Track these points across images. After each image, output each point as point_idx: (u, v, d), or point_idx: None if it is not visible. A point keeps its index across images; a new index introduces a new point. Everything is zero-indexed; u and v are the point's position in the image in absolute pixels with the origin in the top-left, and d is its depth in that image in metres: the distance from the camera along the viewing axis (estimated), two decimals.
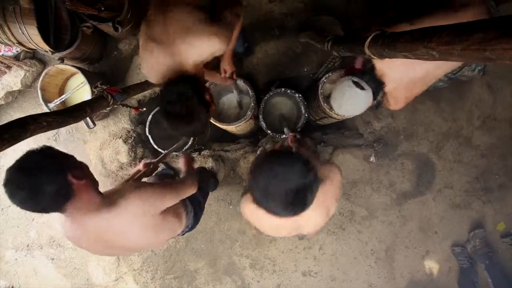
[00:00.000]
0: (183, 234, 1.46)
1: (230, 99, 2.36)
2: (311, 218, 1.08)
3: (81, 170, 1.00)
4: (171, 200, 1.16)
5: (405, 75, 1.22)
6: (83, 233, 1.03)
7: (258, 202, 0.85)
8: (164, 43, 1.11)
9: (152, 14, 1.17)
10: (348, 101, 1.39)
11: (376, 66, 1.28)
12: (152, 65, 1.17)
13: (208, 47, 1.11)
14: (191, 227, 1.49)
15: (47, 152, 0.91)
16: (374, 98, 1.34)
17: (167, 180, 1.76)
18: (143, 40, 1.17)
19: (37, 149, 0.90)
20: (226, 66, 1.61)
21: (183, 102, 1.06)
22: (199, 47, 1.11)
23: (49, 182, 0.86)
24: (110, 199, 1.03)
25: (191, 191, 1.31)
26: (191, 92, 1.07)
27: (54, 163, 0.89)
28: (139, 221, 1.05)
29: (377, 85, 1.31)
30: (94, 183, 1.04)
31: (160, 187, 1.14)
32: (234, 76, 1.62)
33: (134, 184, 1.28)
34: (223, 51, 1.18)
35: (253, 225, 1.21)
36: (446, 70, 1.31)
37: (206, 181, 1.98)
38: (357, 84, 1.32)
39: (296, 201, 0.82)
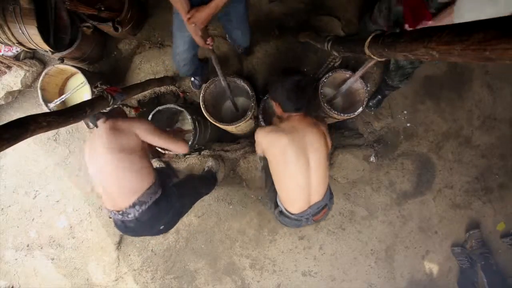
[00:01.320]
0: (131, 217, 1.38)
1: (229, 103, 2.36)
2: (314, 137, 1.30)
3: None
4: (154, 134, 1.41)
5: None
6: (93, 142, 1.37)
7: (277, 99, 1.33)
8: None
9: None
10: None
11: None
12: None
13: None
14: (145, 214, 1.40)
15: None
16: None
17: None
18: None
19: None
20: (197, 15, 1.29)
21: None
22: None
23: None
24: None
25: (179, 145, 1.52)
26: None
27: None
28: (122, 137, 1.34)
29: None
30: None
31: (153, 125, 1.44)
32: (210, 41, 1.45)
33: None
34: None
35: (262, 156, 1.44)
36: None
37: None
38: None
39: (301, 94, 1.27)
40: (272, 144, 1.30)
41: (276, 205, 1.51)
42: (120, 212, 1.36)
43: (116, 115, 1.46)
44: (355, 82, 1.79)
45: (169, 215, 1.49)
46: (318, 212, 1.41)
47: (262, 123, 2.08)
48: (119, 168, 1.32)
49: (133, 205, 1.34)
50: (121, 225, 1.42)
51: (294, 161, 1.27)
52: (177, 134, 1.72)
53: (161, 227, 1.49)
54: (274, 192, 1.49)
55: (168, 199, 1.47)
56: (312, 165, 1.30)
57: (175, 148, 1.51)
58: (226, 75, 1.70)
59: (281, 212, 1.47)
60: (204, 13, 1.25)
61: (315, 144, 1.30)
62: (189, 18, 1.27)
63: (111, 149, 1.31)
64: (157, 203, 1.41)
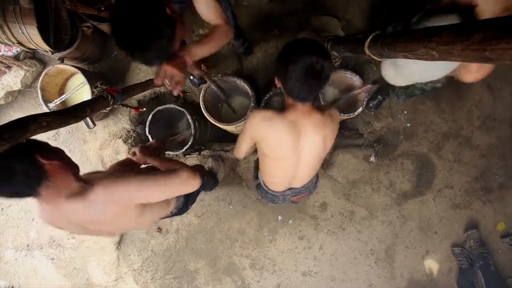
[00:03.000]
0: (172, 215, 1.40)
1: (232, 100, 2.36)
2: (316, 139, 1.16)
3: (54, 152, 0.95)
4: (153, 194, 1.04)
5: None
6: (59, 216, 1.00)
7: (283, 80, 1.04)
8: None
9: None
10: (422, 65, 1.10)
11: None
12: None
13: None
14: (176, 212, 1.40)
15: None
16: None
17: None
18: None
19: None
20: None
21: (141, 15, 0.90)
22: None
23: (17, 164, 0.83)
24: (87, 185, 0.97)
25: (188, 186, 1.10)
26: (147, 6, 0.91)
27: (21, 147, 0.86)
28: (113, 210, 1.00)
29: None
30: (71, 166, 0.99)
31: (145, 179, 1.02)
32: (204, 69, 1.39)
33: (118, 172, 1.23)
34: None
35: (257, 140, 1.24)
36: None
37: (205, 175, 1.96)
38: None
39: (313, 81, 0.99)
40: (267, 134, 1.16)
41: (256, 177, 1.51)
42: None
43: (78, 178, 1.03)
44: (358, 83, 1.79)
45: (184, 203, 1.49)
46: (297, 195, 1.42)
47: None
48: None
49: None
50: None
51: (286, 158, 1.19)
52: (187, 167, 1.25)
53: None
54: (257, 161, 1.48)
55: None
56: (303, 160, 1.23)
57: (183, 192, 1.13)
58: (226, 75, 1.71)
59: (259, 184, 1.49)
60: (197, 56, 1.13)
61: (315, 146, 1.19)
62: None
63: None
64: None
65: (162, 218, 1.33)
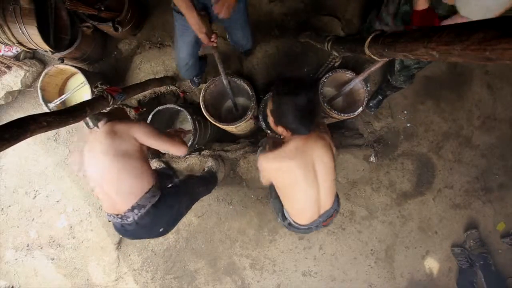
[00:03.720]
0: (131, 222, 1.38)
1: (230, 103, 2.36)
2: (321, 152, 1.22)
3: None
4: (152, 137, 1.37)
5: None
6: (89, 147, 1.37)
7: (286, 124, 1.11)
8: None
9: None
10: None
11: None
12: None
13: None
14: (144, 219, 1.40)
15: None
16: None
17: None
18: None
19: None
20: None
21: None
22: None
23: None
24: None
25: (178, 147, 1.46)
26: None
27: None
28: (122, 139, 1.33)
29: None
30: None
31: (151, 128, 1.40)
32: (214, 38, 1.46)
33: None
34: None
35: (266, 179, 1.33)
36: None
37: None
38: None
39: (313, 116, 1.10)
40: (279, 171, 1.23)
41: (285, 218, 1.49)
42: (119, 216, 1.36)
43: (116, 116, 1.45)
44: (358, 83, 1.79)
45: (169, 217, 1.49)
46: (327, 218, 1.41)
47: (262, 123, 2.08)
48: (117, 172, 1.31)
49: (132, 209, 1.34)
50: (120, 228, 1.42)
51: (302, 183, 1.22)
52: (178, 135, 1.70)
53: (161, 230, 1.48)
54: (280, 203, 1.46)
55: (167, 201, 1.47)
56: (320, 181, 1.26)
57: (174, 150, 1.48)
58: (226, 74, 1.71)
59: (290, 224, 1.46)
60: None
61: (323, 159, 1.23)
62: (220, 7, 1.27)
63: (109, 153, 1.30)
64: (156, 206, 1.40)
65: (139, 200, 1.37)
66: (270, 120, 1.20)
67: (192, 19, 1.28)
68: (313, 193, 1.26)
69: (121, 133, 1.34)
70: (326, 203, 1.33)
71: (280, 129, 1.18)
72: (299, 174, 1.19)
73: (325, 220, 1.39)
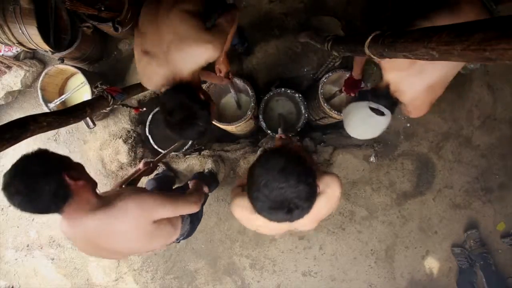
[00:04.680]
0: (178, 242, 1.45)
1: (230, 100, 2.36)
2: (301, 221, 0.91)
3: (78, 170, 1.02)
4: (167, 212, 1.16)
5: (421, 82, 1.12)
6: (78, 232, 1.04)
7: (255, 207, 0.82)
8: (159, 56, 1.11)
9: (143, 25, 1.16)
10: (368, 129, 1.31)
11: (388, 84, 1.18)
12: (148, 76, 1.18)
13: (203, 54, 1.10)
14: (187, 235, 1.49)
15: (41, 155, 0.93)
16: (392, 112, 1.26)
17: (173, 193, 1.68)
18: (138, 53, 1.18)
19: (31, 153, 0.92)
20: (221, 65, 1.61)
21: (182, 110, 1.08)
22: (194, 56, 1.10)
23: (46, 185, 0.88)
24: (107, 201, 1.04)
25: (192, 209, 1.29)
26: (188, 99, 1.09)
27: (49, 166, 0.91)
28: (133, 224, 1.06)
29: (393, 103, 1.22)
30: (91, 183, 1.05)
31: (160, 198, 1.14)
32: (230, 75, 1.60)
33: (134, 189, 1.30)
34: (218, 56, 1.17)
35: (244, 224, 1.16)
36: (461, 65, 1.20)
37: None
38: (375, 111, 1.22)
39: (291, 211, 0.77)
40: (252, 222, 1.06)
41: None
42: None
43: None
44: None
45: (191, 231, 1.53)
46: None
47: (262, 123, 2.08)
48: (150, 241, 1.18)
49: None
50: None
51: (280, 231, 1.13)
52: (198, 186, 1.56)
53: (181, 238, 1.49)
54: None
55: (192, 219, 1.50)
56: (300, 228, 1.13)
57: (187, 212, 1.31)
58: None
59: None
60: (223, 61, 1.40)
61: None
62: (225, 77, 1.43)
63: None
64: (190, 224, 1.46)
65: (171, 243, 1.35)
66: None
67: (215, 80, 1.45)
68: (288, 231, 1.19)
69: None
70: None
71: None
72: (276, 227, 0.96)
73: None
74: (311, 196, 0.79)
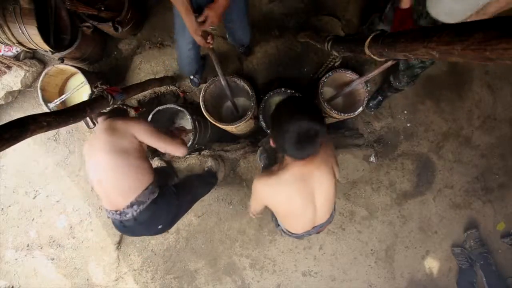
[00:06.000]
0: (127, 219, 1.39)
1: (229, 105, 2.36)
2: (322, 178, 1.15)
3: None
4: (152, 136, 1.39)
5: None
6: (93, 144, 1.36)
7: (284, 145, 0.98)
8: None
9: None
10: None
11: None
12: None
13: None
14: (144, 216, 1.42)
15: None
16: None
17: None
18: None
19: None
20: (212, 12, 1.29)
21: None
22: None
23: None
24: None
25: (178, 148, 1.46)
26: None
27: None
28: (124, 136, 1.34)
29: None
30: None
31: (151, 126, 1.42)
32: (210, 39, 1.39)
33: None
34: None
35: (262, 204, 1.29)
36: None
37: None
38: None
39: (310, 144, 0.96)
40: (275, 197, 1.17)
41: (278, 224, 1.49)
42: (118, 212, 1.36)
43: (115, 115, 1.45)
44: (360, 84, 1.78)
45: (168, 215, 1.49)
46: (320, 228, 1.41)
47: (262, 123, 2.08)
48: (116, 169, 1.31)
49: (131, 205, 1.34)
50: (119, 225, 1.42)
51: (299, 210, 1.19)
52: (178, 135, 1.69)
53: (159, 227, 1.48)
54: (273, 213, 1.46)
55: (166, 198, 1.47)
56: (318, 205, 1.23)
57: (173, 150, 1.47)
58: (226, 75, 1.71)
59: (282, 230, 1.48)
60: (220, 9, 1.27)
61: (323, 186, 1.17)
62: (203, 22, 1.27)
63: (108, 150, 1.30)
64: (155, 202, 1.41)
65: (138, 196, 1.37)
66: (272, 144, 1.10)
67: (188, 22, 1.28)
68: (309, 215, 1.25)
69: (120, 130, 1.35)
70: (322, 219, 1.32)
71: (280, 155, 1.14)
72: (297, 202, 1.15)
73: (317, 230, 1.40)
74: (323, 122, 0.98)
